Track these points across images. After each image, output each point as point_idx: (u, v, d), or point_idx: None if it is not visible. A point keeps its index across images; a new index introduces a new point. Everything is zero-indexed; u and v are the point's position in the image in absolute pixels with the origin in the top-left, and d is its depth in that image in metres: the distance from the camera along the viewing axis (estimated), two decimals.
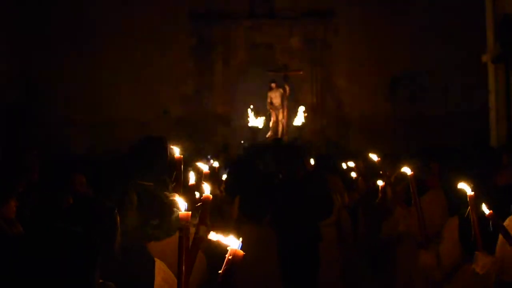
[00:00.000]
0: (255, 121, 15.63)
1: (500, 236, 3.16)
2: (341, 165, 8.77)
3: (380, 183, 5.93)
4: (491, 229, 3.17)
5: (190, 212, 2.23)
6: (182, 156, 3.56)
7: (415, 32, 18.09)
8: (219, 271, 1.63)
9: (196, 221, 2.71)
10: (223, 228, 3.42)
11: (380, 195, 5.89)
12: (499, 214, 3.11)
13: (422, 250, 4.22)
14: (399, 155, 7.76)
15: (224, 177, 7.18)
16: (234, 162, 8.03)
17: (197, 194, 4.21)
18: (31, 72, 17.38)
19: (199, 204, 2.71)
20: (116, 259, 2.35)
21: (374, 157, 7.13)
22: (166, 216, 3.45)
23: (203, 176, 4.23)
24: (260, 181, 5.78)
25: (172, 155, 3.67)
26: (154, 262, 2.70)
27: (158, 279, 2.65)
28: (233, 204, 5.74)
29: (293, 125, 15.98)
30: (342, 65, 19.32)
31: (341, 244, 6.34)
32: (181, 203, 2.25)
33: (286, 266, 5.50)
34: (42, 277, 1.58)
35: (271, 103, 15.64)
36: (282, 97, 15.46)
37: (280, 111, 15.48)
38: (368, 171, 8.11)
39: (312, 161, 7.94)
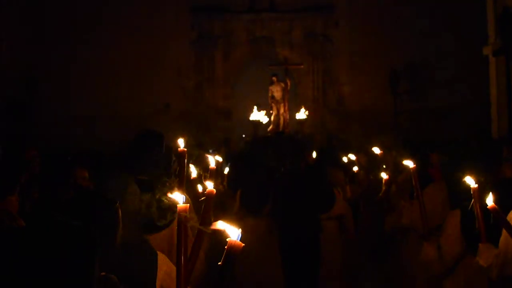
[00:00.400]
0: (258, 115, 15.59)
1: (504, 229, 3.15)
2: (342, 159, 8.76)
3: (384, 175, 5.91)
4: (492, 222, 3.17)
5: (188, 205, 2.21)
6: (185, 149, 3.51)
7: (415, 25, 18.04)
8: (219, 263, 1.63)
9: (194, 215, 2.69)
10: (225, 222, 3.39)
11: (384, 188, 5.86)
12: (504, 206, 3.10)
13: (424, 243, 4.22)
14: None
15: (226, 171, 7.18)
16: (236, 156, 8.02)
17: (200, 188, 4.18)
18: (31, 69, 17.33)
19: (202, 198, 2.69)
20: (117, 252, 2.34)
21: (376, 150, 7.12)
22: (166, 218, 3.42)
23: (210, 171, 4.03)
24: (262, 175, 5.77)
25: (175, 147, 3.61)
26: (156, 255, 2.70)
27: (161, 272, 2.65)
28: (235, 198, 5.74)
29: (294, 118, 15.96)
30: (343, 58, 19.28)
31: (343, 237, 6.34)
32: (178, 197, 2.22)
33: (287, 259, 5.51)
34: (41, 270, 1.58)
35: (272, 97, 15.61)
36: (283, 91, 15.43)
37: (281, 104, 15.44)
38: (370, 164, 8.11)
39: (314, 154, 7.93)
